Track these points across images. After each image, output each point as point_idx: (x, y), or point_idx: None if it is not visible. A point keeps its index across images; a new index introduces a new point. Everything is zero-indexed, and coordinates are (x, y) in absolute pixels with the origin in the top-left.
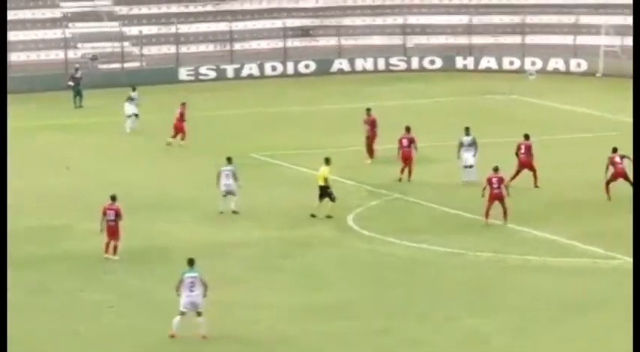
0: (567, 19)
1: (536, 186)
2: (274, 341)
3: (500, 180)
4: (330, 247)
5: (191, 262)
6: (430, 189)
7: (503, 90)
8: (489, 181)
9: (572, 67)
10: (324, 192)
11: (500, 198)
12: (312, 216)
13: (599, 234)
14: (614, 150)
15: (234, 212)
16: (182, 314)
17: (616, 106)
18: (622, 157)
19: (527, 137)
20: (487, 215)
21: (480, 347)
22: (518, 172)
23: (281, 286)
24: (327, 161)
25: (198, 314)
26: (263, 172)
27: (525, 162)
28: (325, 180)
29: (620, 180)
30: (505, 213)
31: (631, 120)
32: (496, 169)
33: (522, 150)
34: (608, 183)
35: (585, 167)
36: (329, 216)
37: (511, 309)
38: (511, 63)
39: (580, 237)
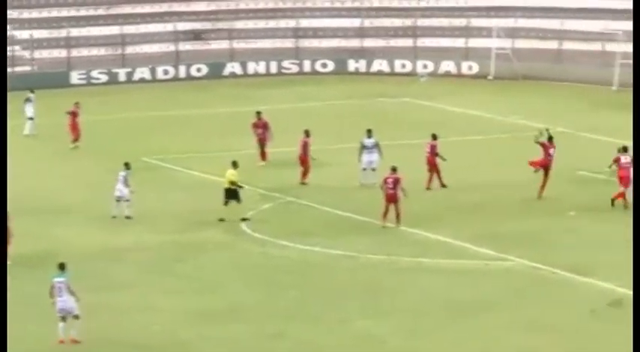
0: (458, 22)
1: (428, 188)
2: (168, 345)
3: (396, 181)
4: (223, 251)
5: (62, 267)
6: (323, 192)
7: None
8: (385, 181)
9: (464, 70)
10: (231, 194)
11: (394, 200)
12: (221, 220)
13: (491, 236)
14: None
15: (127, 217)
16: (62, 319)
17: (507, 108)
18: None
19: (434, 137)
20: (384, 216)
21: (374, 349)
22: (437, 173)
23: (174, 290)
24: (235, 164)
25: (75, 317)
26: (155, 176)
27: (429, 161)
28: (232, 182)
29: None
30: (398, 215)
31: (523, 122)
32: (394, 169)
33: (428, 150)
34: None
35: (478, 169)
36: (221, 219)
37: (404, 311)
38: (403, 66)
39: (472, 239)
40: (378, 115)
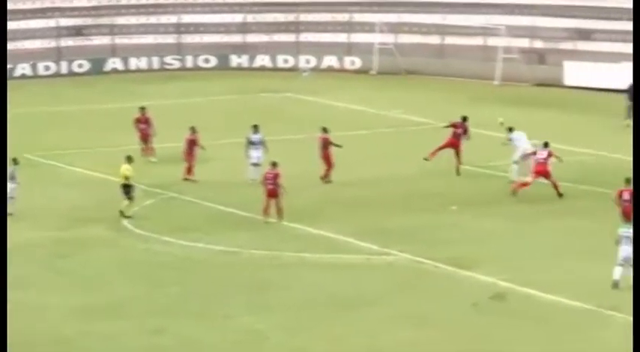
0: (341, 17)
1: (325, 180)
2: (50, 342)
3: (276, 176)
4: (105, 247)
5: None
6: (206, 188)
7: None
8: (265, 177)
9: (347, 65)
10: (126, 190)
11: (274, 195)
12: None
13: (374, 230)
14: (545, 144)
15: (9, 214)
16: None
17: (390, 103)
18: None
19: (324, 130)
20: (265, 212)
21: (257, 345)
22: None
23: (57, 286)
24: (129, 159)
25: None
26: (37, 173)
27: (322, 155)
28: (127, 178)
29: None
30: (279, 210)
31: (406, 116)
32: (274, 165)
33: (321, 143)
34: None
35: (361, 164)
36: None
37: (287, 306)
38: (285, 61)
39: (355, 233)
40: (262, 110)
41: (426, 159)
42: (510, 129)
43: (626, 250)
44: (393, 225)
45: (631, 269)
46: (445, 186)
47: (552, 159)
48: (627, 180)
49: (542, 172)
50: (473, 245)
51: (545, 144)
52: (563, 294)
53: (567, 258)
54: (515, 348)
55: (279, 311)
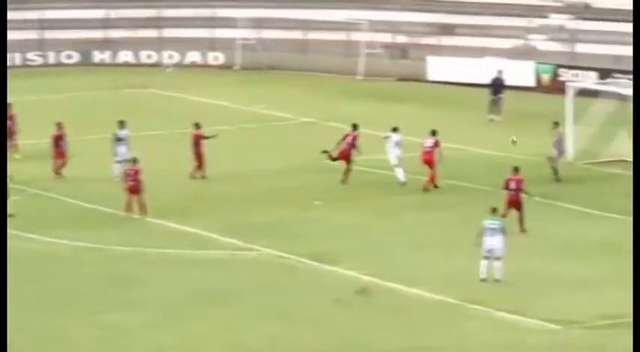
0: (204, 13)
1: (197, 176)
2: None
3: (137, 172)
4: None
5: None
6: (71, 184)
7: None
8: (126, 173)
9: (210, 60)
10: None
11: (136, 191)
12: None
13: (238, 226)
14: (515, 169)
15: None
16: None
17: (254, 99)
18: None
19: (196, 126)
20: (128, 208)
21: (122, 342)
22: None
23: None
24: None
25: None
26: None
27: (194, 151)
28: None
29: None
30: (142, 206)
31: (269, 112)
32: (134, 161)
33: (194, 140)
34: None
35: (224, 160)
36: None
37: (152, 302)
38: (149, 56)
39: (219, 229)
40: (126, 106)
41: (329, 157)
42: (395, 129)
43: (491, 242)
44: (257, 221)
45: (497, 262)
46: (309, 182)
47: (439, 149)
48: (515, 169)
49: (427, 161)
50: (337, 240)
51: (433, 133)
52: (426, 288)
53: (431, 252)
54: (379, 342)
55: (144, 308)
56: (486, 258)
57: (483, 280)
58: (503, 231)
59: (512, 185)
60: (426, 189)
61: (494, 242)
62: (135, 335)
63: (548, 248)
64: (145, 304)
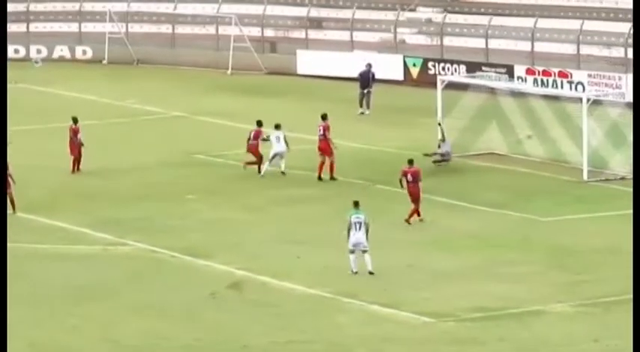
0: (71, 7)
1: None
2: None
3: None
4: None
5: None
6: None
7: (12, 80)
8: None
9: (78, 55)
10: None
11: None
12: None
13: (110, 221)
14: (410, 161)
15: None
16: None
17: (123, 93)
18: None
19: (74, 121)
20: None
21: None
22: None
23: None
24: None
25: None
26: None
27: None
28: None
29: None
30: (11, 201)
31: (139, 106)
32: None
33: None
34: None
35: (95, 154)
36: None
37: (23, 298)
38: (16, 51)
39: (91, 224)
40: None
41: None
42: (277, 127)
43: (356, 236)
44: (129, 215)
45: (367, 255)
46: (181, 176)
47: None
48: (410, 161)
49: (322, 149)
50: (210, 234)
51: (323, 117)
52: (300, 282)
53: (304, 246)
54: (253, 337)
55: (15, 303)
56: (352, 251)
57: (355, 273)
58: (366, 224)
59: (409, 177)
60: (333, 179)
61: (359, 236)
62: (10, 331)
63: (420, 241)
64: (16, 299)
